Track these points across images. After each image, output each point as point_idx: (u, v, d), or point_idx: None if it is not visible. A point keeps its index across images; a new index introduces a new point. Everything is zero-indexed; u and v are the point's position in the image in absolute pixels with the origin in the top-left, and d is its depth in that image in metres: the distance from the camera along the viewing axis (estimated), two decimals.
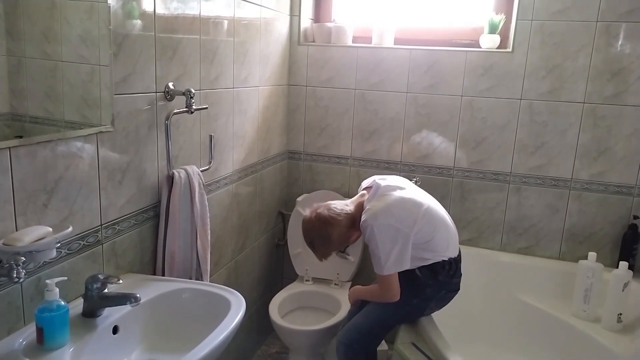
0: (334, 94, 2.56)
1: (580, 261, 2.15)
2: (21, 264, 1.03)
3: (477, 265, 2.34)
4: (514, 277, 2.33)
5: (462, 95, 2.38)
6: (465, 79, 2.36)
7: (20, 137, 1.13)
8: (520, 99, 2.31)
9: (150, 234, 1.59)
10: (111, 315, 1.25)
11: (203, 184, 1.70)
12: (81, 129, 1.28)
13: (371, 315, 1.86)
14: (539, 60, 2.26)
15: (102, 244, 1.39)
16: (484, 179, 2.44)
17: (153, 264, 1.61)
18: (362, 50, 2.48)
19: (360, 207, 1.82)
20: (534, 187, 2.38)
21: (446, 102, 2.41)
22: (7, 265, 1.02)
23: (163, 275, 1.59)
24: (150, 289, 1.39)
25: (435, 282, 1.80)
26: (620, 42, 2.16)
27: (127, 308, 1.26)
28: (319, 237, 1.84)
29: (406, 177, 2.27)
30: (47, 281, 1.10)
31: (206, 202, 1.70)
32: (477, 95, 2.36)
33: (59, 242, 1.15)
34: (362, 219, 1.75)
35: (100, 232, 1.38)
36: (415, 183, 2.35)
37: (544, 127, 2.31)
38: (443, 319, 1.89)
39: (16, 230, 1.11)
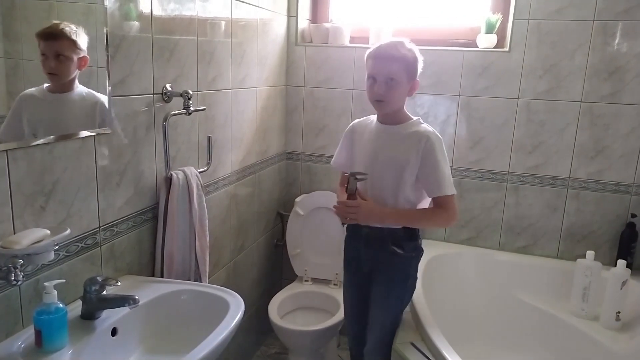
0: (331, 94, 2.56)
1: (579, 260, 2.16)
2: (19, 267, 1.03)
3: (475, 265, 2.34)
4: (512, 276, 2.34)
5: (459, 95, 2.39)
6: (463, 78, 2.36)
7: None
8: (518, 99, 2.32)
9: (149, 235, 1.59)
10: (110, 317, 1.25)
11: (201, 185, 1.70)
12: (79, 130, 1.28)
13: (392, 308, 1.77)
14: (536, 60, 2.26)
15: (100, 246, 1.39)
16: (482, 179, 2.44)
17: (151, 266, 1.61)
18: (359, 50, 2.48)
19: None
20: (532, 186, 2.38)
21: (444, 102, 2.41)
22: (5, 268, 1.03)
23: (162, 276, 1.59)
24: (148, 291, 1.39)
25: (418, 239, 1.77)
26: (617, 41, 2.16)
27: (125, 310, 1.26)
28: (408, 65, 1.67)
29: None
30: (46, 284, 1.10)
31: (204, 204, 1.70)
32: (475, 95, 2.37)
33: (57, 245, 1.14)
34: (422, 126, 1.66)
35: (98, 234, 1.38)
36: None
37: (541, 126, 2.32)
38: (441, 318, 1.89)
39: (14, 233, 1.11)
